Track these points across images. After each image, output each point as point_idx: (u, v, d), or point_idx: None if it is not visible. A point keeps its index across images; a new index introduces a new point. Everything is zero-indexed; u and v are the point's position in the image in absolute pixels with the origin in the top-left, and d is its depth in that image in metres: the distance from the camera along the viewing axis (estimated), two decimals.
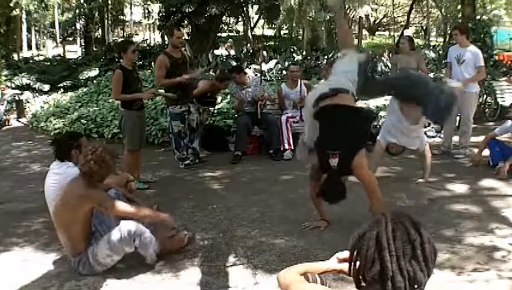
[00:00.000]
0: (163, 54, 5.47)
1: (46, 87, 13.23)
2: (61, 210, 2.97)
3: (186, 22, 15.75)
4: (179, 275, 3.01)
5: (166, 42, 20.74)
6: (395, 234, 1.33)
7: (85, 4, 19.85)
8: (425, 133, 7.07)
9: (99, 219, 3.07)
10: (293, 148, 5.95)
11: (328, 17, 13.07)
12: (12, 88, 12.62)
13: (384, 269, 1.30)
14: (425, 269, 1.33)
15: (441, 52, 12.85)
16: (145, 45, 19.28)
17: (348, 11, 14.92)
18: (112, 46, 17.08)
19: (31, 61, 18.63)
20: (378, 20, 33.43)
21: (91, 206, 2.93)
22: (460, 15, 14.54)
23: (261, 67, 8.90)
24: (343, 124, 3.37)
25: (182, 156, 5.70)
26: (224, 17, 18.72)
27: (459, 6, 15.68)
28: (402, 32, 20.51)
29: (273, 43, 21.64)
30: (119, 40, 21.06)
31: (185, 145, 5.70)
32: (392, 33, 29.84)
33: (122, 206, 2.99)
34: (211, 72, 10.86)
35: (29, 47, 29.15)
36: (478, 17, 10.71)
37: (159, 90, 5.87)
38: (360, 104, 7.87)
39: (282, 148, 6.08)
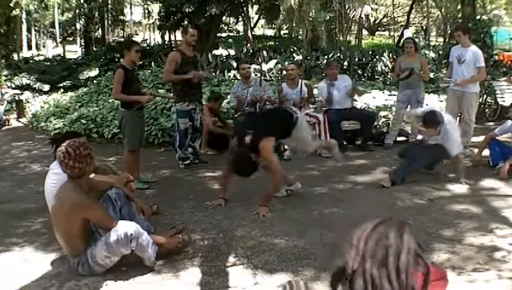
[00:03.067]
0: (176, 51, 5.68)
1: (46, 87, 13.24)
2: (58, 214, 2.95)
3: (186, 22, 15.75)
4: (178, 275, 3.00)
5: (166, 42, 20.81)
6: (371, 233, 1.19)
7: (85, 4, 19.88)
8: None
9: None
10: None
11: (328, 17, 13.04)
12: (13, 88, 12.63)
13: (346, 267, 1.17)
14: (395, 281, 1.13)
15: (440, 52, 12.86)
16: (145, 45, 19.29)
17: (348, 11, 14.89)
18: (113, 45, 17.11)
19: (31, 61, 18.64)
20: (378, 20, 33.42)
21: (84, 217, 2.90)
22: (460, 15, 14.53)
23: (261, 67, 8.89)
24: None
25: (183, 155, 5.70)
26: (224, 17, 18.74)
27: (459, 6, 15.66)
28: (402, 32, 20.51)
29: (273, 43, 21.64)
30: (119, 40, 21.13)
31: (187, 144, 5.71)
32: (392, 33, 29.82)
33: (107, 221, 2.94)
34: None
35: (29, 47, 29.17)
36: (478, 17, 10.68)
37: (159, 91, 5.88)
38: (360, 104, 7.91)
39: (282, 148, 6.07)
